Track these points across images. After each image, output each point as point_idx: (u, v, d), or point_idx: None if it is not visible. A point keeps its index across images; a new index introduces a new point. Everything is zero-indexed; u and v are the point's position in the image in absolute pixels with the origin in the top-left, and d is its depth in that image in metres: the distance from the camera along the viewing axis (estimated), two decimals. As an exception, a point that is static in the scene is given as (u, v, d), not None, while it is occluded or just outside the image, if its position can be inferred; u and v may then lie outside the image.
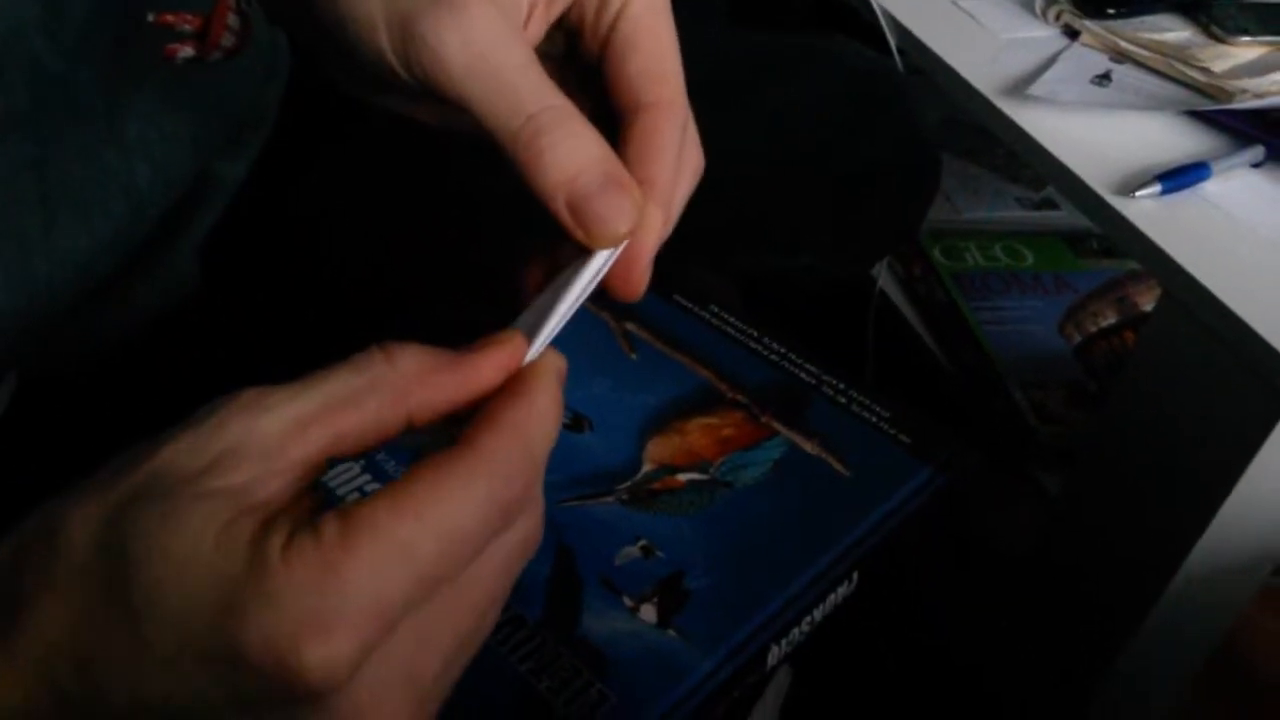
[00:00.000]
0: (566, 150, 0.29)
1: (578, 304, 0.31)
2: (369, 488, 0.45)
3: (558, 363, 0.30)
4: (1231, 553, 0.63)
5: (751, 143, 0.72)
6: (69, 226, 0.40)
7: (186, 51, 0.34)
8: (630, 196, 0.30)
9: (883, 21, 0.81)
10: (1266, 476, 0.58)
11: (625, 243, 0.31)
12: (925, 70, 0.78)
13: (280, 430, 0.25)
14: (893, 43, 0.81)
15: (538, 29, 0.33)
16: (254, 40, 0.35)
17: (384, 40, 0.30)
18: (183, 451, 0.25)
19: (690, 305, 0.59)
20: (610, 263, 0.32)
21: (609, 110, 0.33)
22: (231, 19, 0.34)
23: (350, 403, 0.26)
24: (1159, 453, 0.65)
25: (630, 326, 0.57)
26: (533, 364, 0.29)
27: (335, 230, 0.59)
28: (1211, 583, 0.64)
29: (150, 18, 0.34)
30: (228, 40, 0.34)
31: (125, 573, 0.24)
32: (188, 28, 0.34)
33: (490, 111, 0.30)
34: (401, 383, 0.27)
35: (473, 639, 0.28)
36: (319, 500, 0.27)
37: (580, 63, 0.35)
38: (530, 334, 0.30)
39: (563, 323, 0.31)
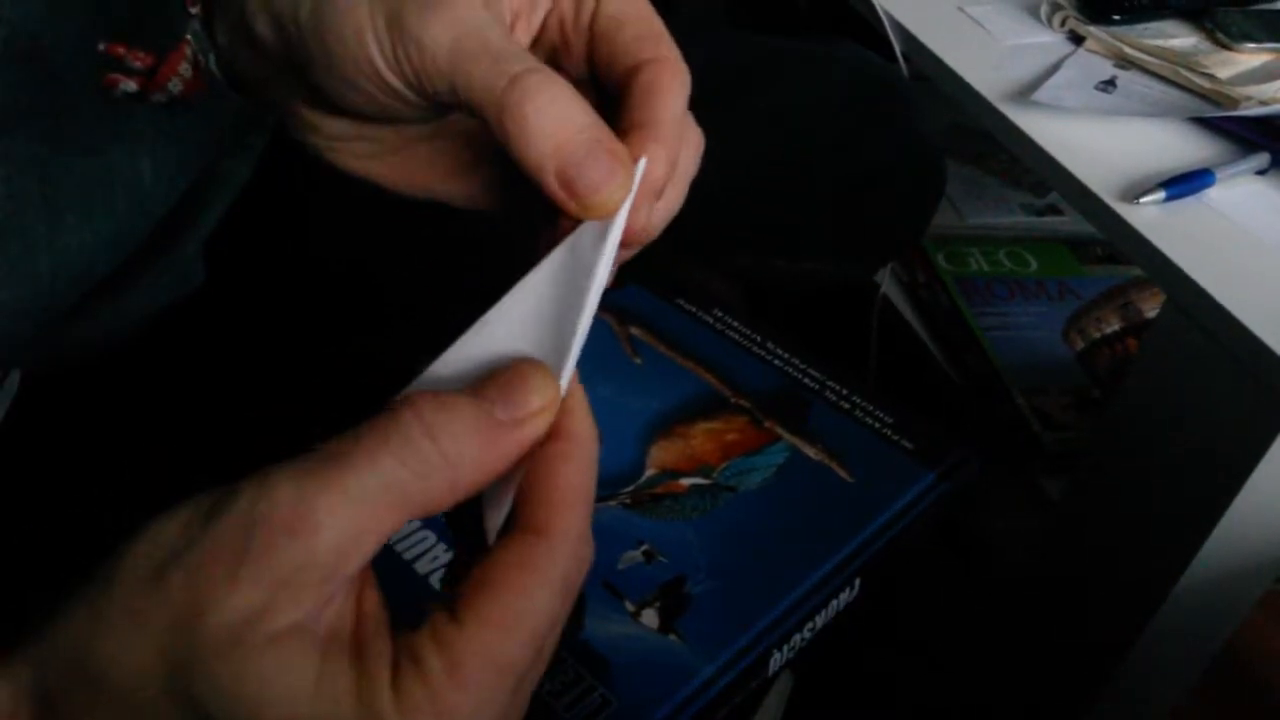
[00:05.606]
0: (553, 116, 0.28)
1: (589, 323, 0.29)
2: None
3: (583, 398, 0.29)
4: (1234, 560, 0.63)
5: (756, 147, 0.72)
6: (73, 223, 0.40)
7: (129, 85, 0.34)
8: (623, 164, 0.29)
9: (888, 26, 0.81)
10: (1270, 484, 0.58)
11: (617, 251, 0.30)
12: (930, 75, 0.78)
13: (337, 547, 0.25)
14: (898, 48, 0.81)
15: (521, 40, 0.33)
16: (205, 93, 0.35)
17: (373, 46, 0.30)
18: (223, 584, 0.24)
19: (694, 310, 0.59)
20: (608, 275, 0.30)
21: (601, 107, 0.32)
22: (184, 68, 0.34)
23: (400, 504, 0.25)
24: (1162, 460, 0.64)
25: (634, 330, 0.57)
26: (568, 417, 0.28)
27: (342, 230, 0.59)
28: (1214, 590, 0.64)
29: (101, 46, 0.33)
30: (175, 86, 0.34)
31: None
32: (137, 64, 0.34)
33: (475, 85, 0.29)
34: (451, 473, 0.26)
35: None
36: (370, 580, 0.27)
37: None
38: (556, 370, 0.28)
39: (580, 349, 0.29)
